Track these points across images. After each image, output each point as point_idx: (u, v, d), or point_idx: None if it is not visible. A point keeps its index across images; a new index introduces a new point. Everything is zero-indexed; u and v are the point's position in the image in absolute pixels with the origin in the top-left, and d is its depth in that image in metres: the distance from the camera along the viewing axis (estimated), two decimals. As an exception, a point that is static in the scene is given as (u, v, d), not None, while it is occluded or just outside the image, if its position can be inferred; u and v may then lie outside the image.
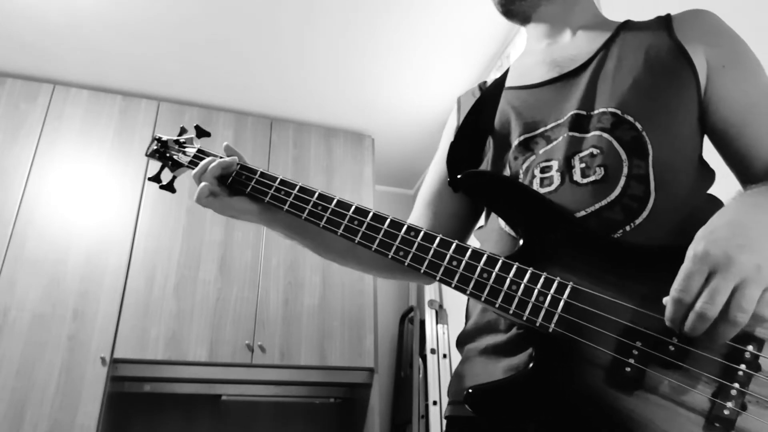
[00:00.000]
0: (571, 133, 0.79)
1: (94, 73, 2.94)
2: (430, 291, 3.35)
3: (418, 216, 1.00)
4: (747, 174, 0.78)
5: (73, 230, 2.61)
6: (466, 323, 0.88)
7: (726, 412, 0.56)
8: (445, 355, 3.08)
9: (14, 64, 2.86)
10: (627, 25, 0.89)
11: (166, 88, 3.06)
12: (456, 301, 3.14)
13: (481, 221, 0.94)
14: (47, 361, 2.34)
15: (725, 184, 0.79)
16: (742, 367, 0.57)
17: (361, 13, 2.57)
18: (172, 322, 2.55)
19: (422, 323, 3.27)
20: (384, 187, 4.00)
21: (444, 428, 0.85)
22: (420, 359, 3.16)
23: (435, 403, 2.93)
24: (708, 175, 0.81)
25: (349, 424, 3.00)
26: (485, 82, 1.02)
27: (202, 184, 0.90)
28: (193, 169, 0.97)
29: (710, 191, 0.79)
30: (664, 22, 0.84)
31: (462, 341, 0.87)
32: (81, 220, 2.64)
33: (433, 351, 3.09)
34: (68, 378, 2.33)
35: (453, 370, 2.99)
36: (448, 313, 3.23)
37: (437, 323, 3.20)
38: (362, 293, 2.91)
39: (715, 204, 0.74)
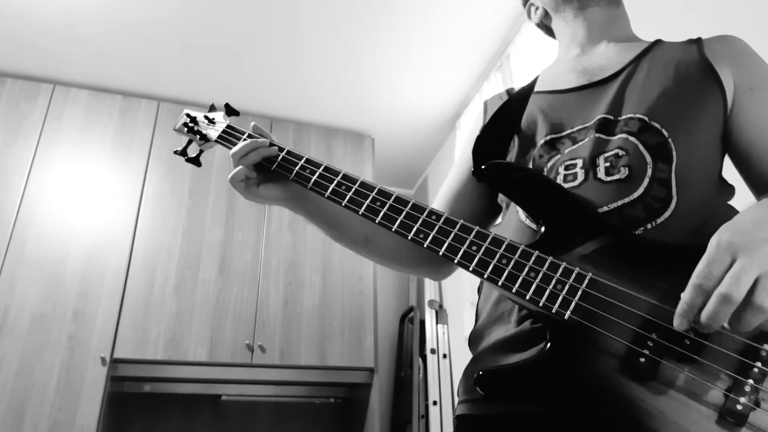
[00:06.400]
0: (597, 135, 0.81)
1: (94, 73, 2.94)
2: (430, 291, 3.35)
3: None
4: (766, 193, 0.79)
5: (73, 230, 2.60)
6: (476, 322, 0.89)
7: (739, 407, 0.56)
8: (445, 355, 3.08)
9: (14, 64, 2.85)
10: (658, 43, 0.92)
11: (166, 88, 3.05)
12: (456, 301, 3.14)
13: (498, 220, 0.96)
14: (47, 361, 2.33)
15: (742, 200, 0.80)
16: (758, 364, 0.57)
17: (361, 13, 2.58)
18: (172, 322, 2.55)
19: (422, 323, 3.27)
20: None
21: (454, 427, 0.85)
22: (420, 359, 3.16)
23: (435, 403, 2.93)
24: (728, 188, 0.82)
25: (349, 424, 3.00)
26: (512, 88, 1.05)
27: (240, 167, 0.92)
28: (222, 144, 1.00)
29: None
30: (695, 43, 0.88)
31: (473, 340, 0.88)
32: (81, 220, 2.63)
33: (433, 351, 3.09)
34: (68, 378, 2.33)
35: (453, 370, 2.98)
36: (448, 313, 3.23)
37: (437, 323, 3.20)
38: (362, 293, 2.91)
39: (734, 213, 0.75)
